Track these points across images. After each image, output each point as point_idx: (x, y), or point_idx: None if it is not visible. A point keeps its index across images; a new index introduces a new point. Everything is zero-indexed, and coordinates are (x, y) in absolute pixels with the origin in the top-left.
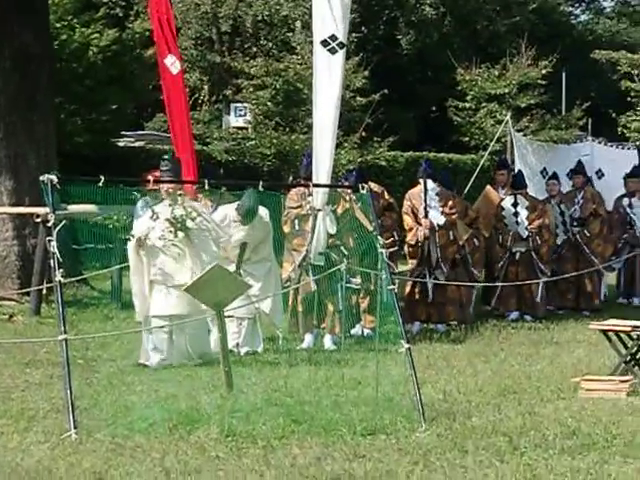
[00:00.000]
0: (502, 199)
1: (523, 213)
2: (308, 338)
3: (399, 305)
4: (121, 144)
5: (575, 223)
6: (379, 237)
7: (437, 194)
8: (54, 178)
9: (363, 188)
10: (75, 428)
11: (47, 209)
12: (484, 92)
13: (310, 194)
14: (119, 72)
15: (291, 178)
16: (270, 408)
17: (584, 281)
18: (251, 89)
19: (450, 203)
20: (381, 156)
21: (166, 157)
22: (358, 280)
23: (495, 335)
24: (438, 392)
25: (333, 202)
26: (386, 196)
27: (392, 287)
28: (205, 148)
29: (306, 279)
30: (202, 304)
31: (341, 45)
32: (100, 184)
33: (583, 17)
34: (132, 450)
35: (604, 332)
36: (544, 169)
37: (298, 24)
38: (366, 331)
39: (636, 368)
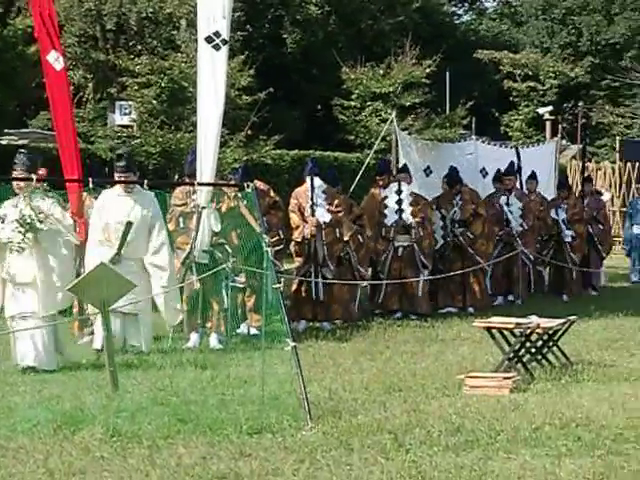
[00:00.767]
0: (385, 196)
1: (406, 201)
2: (193, 337)
3: (285, 303)
4: (4, 142)
5: (457, 225)
6: (265, 235)
7: (323, 192)
8: None
9: (249, 186)
10: None
11: None
12: (369, 91)
13: (195, 192)
14: (1, 69)
15: (177, 177)
16: (155, 407)
17: (469, 280)
18: (136, 87)
19: (336, 201)
20: (267, 154)
21: (23, 151)
22: (243, 279)
23: (381, 333)
24: (324, 390)
25: (218, 200)
26: (272, 194)
27: (278, 285)
28: (90, 146)
29: (190, 278)
30: (87, 302)
31: (224, 42)
32: None
33: (466, 17)
34: (15, 451)
35: (488, 329)
36: (428, 167)
37: (183, 22)
38: (252, 330)
39: (519, 365)
